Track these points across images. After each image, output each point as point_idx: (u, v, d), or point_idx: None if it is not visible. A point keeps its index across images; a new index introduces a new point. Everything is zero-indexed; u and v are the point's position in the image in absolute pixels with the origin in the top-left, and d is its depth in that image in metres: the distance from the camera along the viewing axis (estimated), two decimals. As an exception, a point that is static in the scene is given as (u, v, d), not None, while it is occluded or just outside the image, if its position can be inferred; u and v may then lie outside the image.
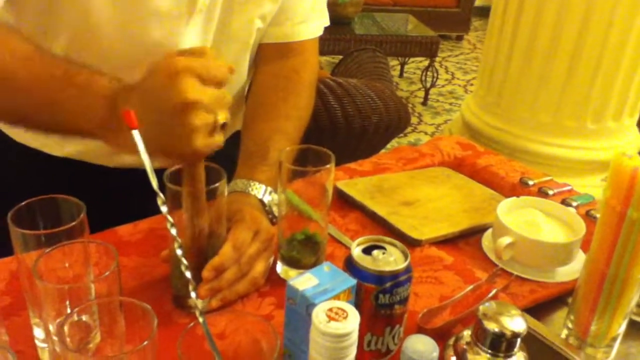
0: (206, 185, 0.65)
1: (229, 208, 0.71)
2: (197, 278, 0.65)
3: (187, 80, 0.58)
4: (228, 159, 0.80)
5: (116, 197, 0.87)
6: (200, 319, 0.50)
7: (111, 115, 0.62)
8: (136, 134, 0.57)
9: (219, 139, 0.63)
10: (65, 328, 0.47)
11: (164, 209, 0.57)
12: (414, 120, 3.63)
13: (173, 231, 0.57)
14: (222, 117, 0.62)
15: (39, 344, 0.62)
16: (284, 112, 0.92)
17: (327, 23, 1.02)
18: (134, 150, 0.58)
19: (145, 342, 0.45)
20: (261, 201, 0.79)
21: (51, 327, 0.55)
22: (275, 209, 0.80)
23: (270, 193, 0.80)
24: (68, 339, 0.47)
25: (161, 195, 0.57)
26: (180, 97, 0.58)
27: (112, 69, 0.67)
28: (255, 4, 0.86)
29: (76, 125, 0.66)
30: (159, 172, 0.59)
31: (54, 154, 0.89)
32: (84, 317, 0.52)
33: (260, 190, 0.79)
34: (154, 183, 0.57)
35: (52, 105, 0.66)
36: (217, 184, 0.65)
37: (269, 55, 0.95)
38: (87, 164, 0.90)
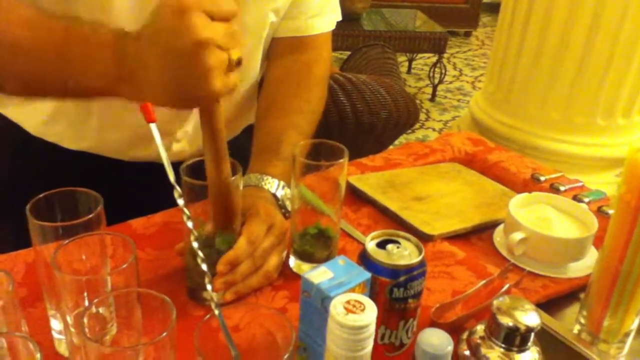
0: None
1: (243, 202, 0.71)
2: (212, 271, 0.66)
3: (196, 18, 0.56)
4: (241, 152, 0.81)
5: (132, 191, 0.88)
6: (216, 311, 0.51)
7: (121, 64, 0.60)
8: (154, 128, 0.57)
9: (235, 78, 0.61)
10: (85, 320, 0.47)
11: (180, 201, 0.58)
12: (421, 116, 3.62)
13: (189, 224, 0.58)
14: (236, 53, 0.59)
15: (55, 335, 0.63)
16: (296, 106, 0.92)
17: (340, 18, 1.02)
18: (152, 101, 0.57)
19: (165, 334, 0.45)
20: (274, 195, 0.80)
21: (69, 319, 0.55)
22: (288, 204, 0.80)
23: (283, 187, 0.81)
24: (87, 330, 0.47)
25: (178, 188, 0.58)
26: (191, 36, 0.55)
27: None
28: None
29: (87, 83, 0.64)
30: (175, 165, 0.59)
31: (71, 148, 0.90)
32: (100, 309, 0.52)
33: (273, 185, 0.80)
34: (171, 176, 0.57)
35: (59, 63, 0.64)
36: (232, 178, 0.65)
37: (282, 50, 0.96)
38: (102, 158, 0.91)
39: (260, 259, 0.71)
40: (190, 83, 0.58)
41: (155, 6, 0.59)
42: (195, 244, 0.57)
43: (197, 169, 0.64)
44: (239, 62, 0.60)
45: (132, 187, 0.88)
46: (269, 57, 0.97)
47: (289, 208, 0.79)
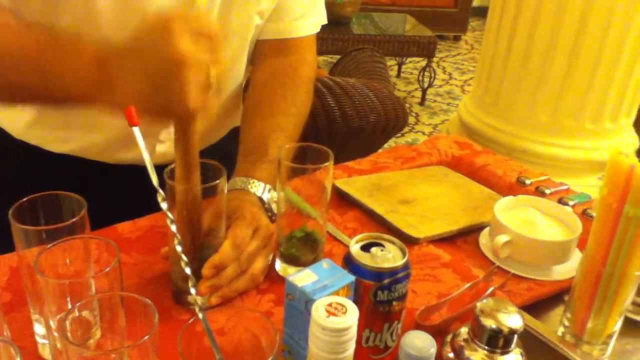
0: (206, 182, 0.65)
1: (229, 205, 0.71)
2: (198, 274, 0.66)
3: (181, 36, 0.58)
4: (227, 155, 0.81)
5: (117, 194, 0.87)
6: (200, 315, 0.51)
7: (102, 70, 0.61)
8: (137, 131, 0.57)
9: (211, 101, 0.63)
10: (67, 323, 0.47)
11: (164, 205, 0.57)
12: (411, 120, 3.63)
13: (173, 228, 0.58)
14: (214, 72, 0.61)
15: (39, 339, 0.62)
16: (282, 109, 0.92)
17: (325, 21, 1.02)
18: (126, 106, 0.58)
19: (146, 337, 0.45)
20: (260, 199, 0.80)
21: (52, 323, 0.55)
22: (274, 207, 0.80)
23: (269, 190, 0.81)
24: (69, 334, 0.47)
25: (161, 192, 0.58)
26: (173, 52, 0.57)
27: None
28: (254, 1, 0.87)
29: (68, 88, 0.64)
30: (159, 169, 0.59)
31: (55, 151, 0.90)
32: (84, 313, 0.52)
33: (259, 188, 0.80)
34: (154, 179, 0.57)
35: (40, 68, 0.65)
36: (216, 181, 0.65)
37: (266, 52, 0.96)
38: (87, 161, 0.90)
39: (245, 263, 0.71)
40: (168, 96, 0.60)
41: (141, 20, 0.60)
42: (179, 248, 0.57)
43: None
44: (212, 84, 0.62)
45: (118, 190, 0.88)
46: (254, 61, 0.97)
47: (276, 211, 0.79)
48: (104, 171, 0.90)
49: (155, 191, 0.57)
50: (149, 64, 0.59)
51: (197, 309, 0.52)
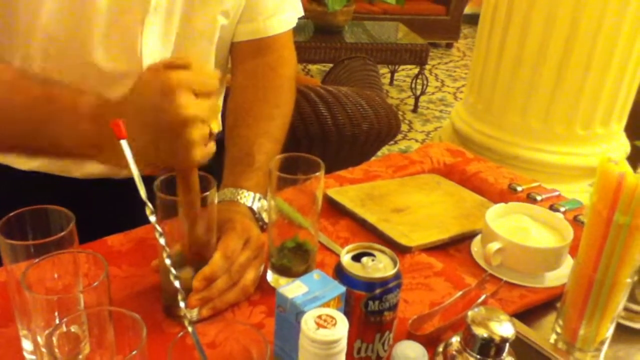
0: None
1: (219, 217, 0.71)
2: (188, 288, 0.65)
3: (183, 96, 0.58)
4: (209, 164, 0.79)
5: (92, 211, 0.86)
6: (190, 329, 0.50)
7: (99, 132, 0.62)
8: (124, 144, 0.57)
9: (212, 147, 0.64)
10: (54, 339, 0.47)
11: (152, 218, 0.57)
12: (404, 127, 3.64)
13: (162, 241, 0.57)
14: (215, 126, 0.63)
15: (27, 355, 0.62)
16: (266, 112, 0.91)
17: (301, 13, 1.00)
18: (127, 164, 0.57)
19: (135, 352, 0.45)
20: (251, 209, 0.79)
21: (40, 339, 0.54)
22: (265, 216, 0.80)
23: (259, 199, 0.80)
24: (57, 350, 0.47)
25: (149, 204, 0.57)
26: (178, 114, 0.58)
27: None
28: (217, 0, 0.85)
29: (63, 148, 0.65)
30: (145, 180, 0.59)
31: (21, 168, 0.87)
32: (72, 328, 0.52)
33: (249, 198, 0.79)
34: (143, 193, 0.57)
35: (36, 128, 0.65)
36: (207, 193, 0.65)
37: (243, 55, 0.94)
38: (57, 177, 0.88)
39: (236, 274, 0.70)
40: (171, 154, 0.61)
41: (140, 80, 0.62)
42: (167, 261, 0.57)
43: (170, 185, 0.64)
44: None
45: (94, 207, 0.87)
46: (232, 64, 0.95)
47: (266, 220, 0.79)
48: (73, 186, 0.88)
49: (137, 205, 0.57)
50: (152, 125, 0.60)
51: (186, 322, 0.51)
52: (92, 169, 0.88)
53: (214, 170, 0.69)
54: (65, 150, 0.66)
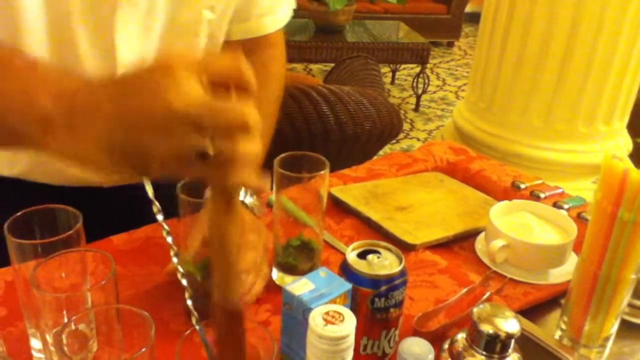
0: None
1: None
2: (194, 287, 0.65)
3: (184, 78, 0.43)
4: None
5: (94, 209, 0.84)
6: (197, 326, 0.51)
7: (60, 106, 0.47)
8: None
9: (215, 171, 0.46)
10: (63, 337, 0.47)
11: (159, 217, 0.57)
12: (406, 126, 3.64)
13: (169, 239, 0.58)
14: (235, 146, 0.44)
15: (35, 354, 0.62)
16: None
17: (294, 5, 0.99)
18: (85, 161, 0.47)
19: (144, 349, 0.45)
20: (243, 203, 0.79)
21: (48, 337, 0.55)
22: (255, 210, 0.80)
23: (251, 195, 0.80)
24: (66, 348, 0.47)
25: (157, 203, 0.58)
26: (165, 101, 0.43)
27: None
28: None
29: (8, 127, 0.51)
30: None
31: (3, 174, 0.85)
32: (80, 327, 0.52)
33: (240, 193, 0.78)
34: (150, 191, 0.57)
35: None
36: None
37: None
38: (37, 185, 0.85)
39: (258, 267, 0.71)
40: (138, 157, 0.45)
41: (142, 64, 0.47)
42: (175, 260, 0.57)
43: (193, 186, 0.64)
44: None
45: (101, 206, 0.86)
46: None
47: (257, 214, 0.79)
48: (56, 194, 0.77)
49: (147, 203, 0.57)
50: (130, 112, 0.45)
51: (194, 320, 0.52)
52: (73, 176, 0.84)
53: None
54: (12, 131, 0.51)
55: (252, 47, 0.94)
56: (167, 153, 0.44)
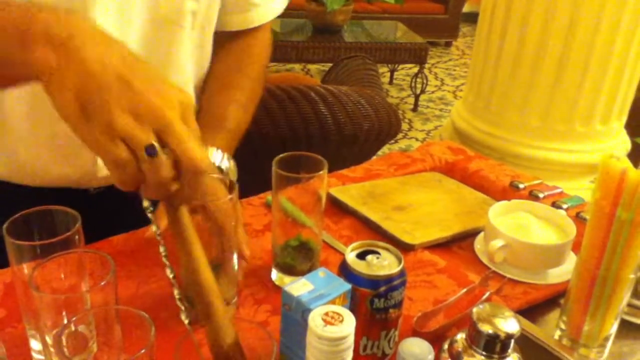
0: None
1: None
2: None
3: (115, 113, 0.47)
4: None
5: (93, 211, 0.78)
6: (188, 327, 0.50)
7: (65, 32, 0.50)
8: None
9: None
10: (63, 338, 0.47)
11: (154, 228, 0.56)
12: (404, 126, 3.64)
13: (159, 239, 0.57)
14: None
15: (35, 355, 0.62)
16: (236, 82, 0.92)
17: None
18: (63, 109, 0.48)
19: (143, 350, 0.45)
20: (219, 168, 0.78)
21: (48, 339, 0.55)
22: (232, 174, 0.80)
23: (227, 159, 0.80)
24: (66, 349, 0.47)
25: (151, 208, 0.57)
26: (156, 98, 0.49)
27: None
28: None
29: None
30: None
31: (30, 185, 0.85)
32: (80, 328, 0.52)
33: (217, 157, 0.78)
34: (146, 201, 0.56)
35: None
36: (230, 196, 0.64)
37: (227, 37, 0.95)
38: (23, 187, 0.86)
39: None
40: (100, 125, 0.48)
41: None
42: (165, 260, 0.57)
43: None
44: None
45: (101, 208, 0.86)
46: (215, 47, 0.95)
47: (233, 178, 0.78)
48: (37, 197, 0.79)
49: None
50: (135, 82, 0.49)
51: (186, 322, 0.51)
52: (60, 169, 0.84)
53: None
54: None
55: (244, 33, 0.96)
56: (126, 129, 0.47)
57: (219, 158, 0.79)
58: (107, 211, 0.86)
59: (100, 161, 0.70)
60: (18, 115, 0.80)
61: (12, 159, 0.84)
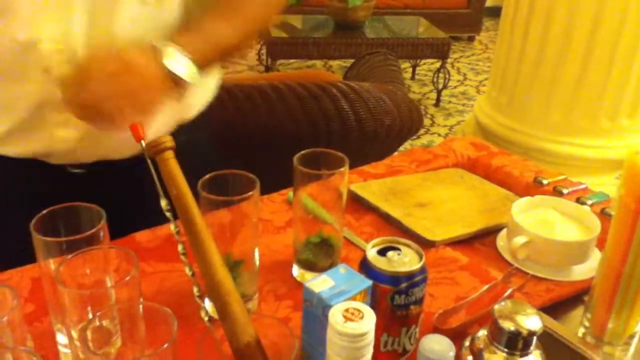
0: (238, 194, 0.64)
1: None
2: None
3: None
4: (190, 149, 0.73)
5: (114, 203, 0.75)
6: (208, 324, 0.51)
7: None
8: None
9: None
10: (88, 333, 0.48)
11: (172, 227, 0.57)
12: (426, 122, 3.62)
13: (177, 236, 0.58)
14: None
15: (61, 349, 0.63)
16: (226, 17, 0.81)
17: None
18: None
19: (166, 345, 0.46)
20: (171, 72, 0.70)
21: (73, 333, 0.56)
22: (189, 79, 0.71)
23: (189, 61, 0.71)
24: (90, 343, 0.48)
25: (165, 199, 0.58)
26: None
27: None
28: None
29: None
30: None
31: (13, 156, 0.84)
32: (104, 323, 0.53)
33: (168, 54, 0.70)
34: (163, 201, 0.57)
35: None
36: (250, 194, 0.65)
37: None
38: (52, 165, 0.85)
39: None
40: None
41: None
42: (183, 257, 0.58)
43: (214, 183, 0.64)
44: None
45: (122, 200, 0.84)
46: None
47: (189, 80, 0.71)
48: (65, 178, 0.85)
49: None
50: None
51: (206, 319, 0.52)
52: (91, 149, 0.84)
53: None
54: None
55: None
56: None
57: (170, 55, 0.70)
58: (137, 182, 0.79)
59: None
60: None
61: (48, 139, 0.82)
